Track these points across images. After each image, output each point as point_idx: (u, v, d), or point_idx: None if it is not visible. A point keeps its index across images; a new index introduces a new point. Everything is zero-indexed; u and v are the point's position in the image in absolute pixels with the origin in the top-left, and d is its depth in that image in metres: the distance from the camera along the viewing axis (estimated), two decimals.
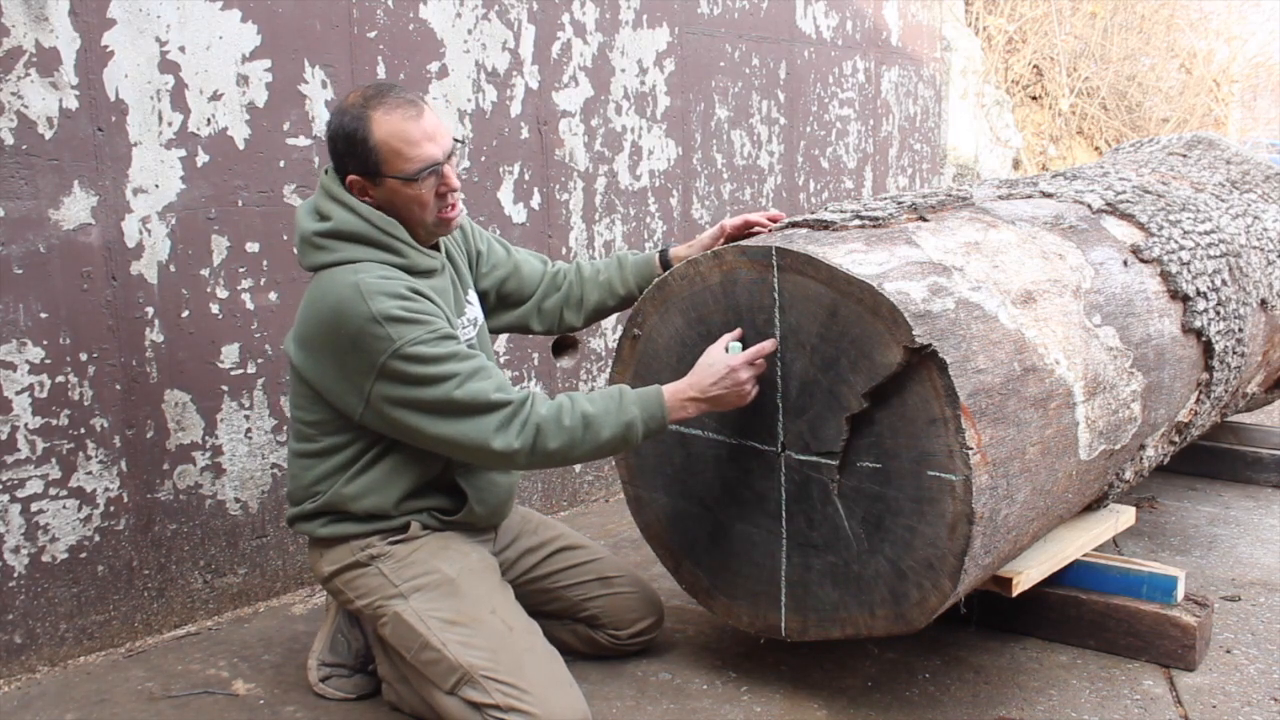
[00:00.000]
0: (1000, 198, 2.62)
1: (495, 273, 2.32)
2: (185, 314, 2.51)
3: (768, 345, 1.98)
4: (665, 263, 2.31)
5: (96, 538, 2.41)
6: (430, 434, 1.88)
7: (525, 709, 1.86)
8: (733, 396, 1.96)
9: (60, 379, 2.33)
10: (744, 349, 1.98)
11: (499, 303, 2.34)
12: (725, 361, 1.96)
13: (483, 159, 3.10)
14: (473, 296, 2.21)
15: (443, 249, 2.12)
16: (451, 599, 1.97)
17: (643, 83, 3.54)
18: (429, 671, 1.94)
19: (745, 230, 2.27)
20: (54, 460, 2.33)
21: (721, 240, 2.25)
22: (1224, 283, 2.67)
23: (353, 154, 1.92)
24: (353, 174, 1.94)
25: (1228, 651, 2.36)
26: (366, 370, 1.87)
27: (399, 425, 1.91)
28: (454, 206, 2.00)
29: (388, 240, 1.95)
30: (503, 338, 3.20)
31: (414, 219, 1.98)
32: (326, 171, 2.00)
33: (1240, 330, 2.71)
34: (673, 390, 1.96)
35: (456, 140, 2.01)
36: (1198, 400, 2.65)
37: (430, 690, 1.95)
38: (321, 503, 2.03)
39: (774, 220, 2.27)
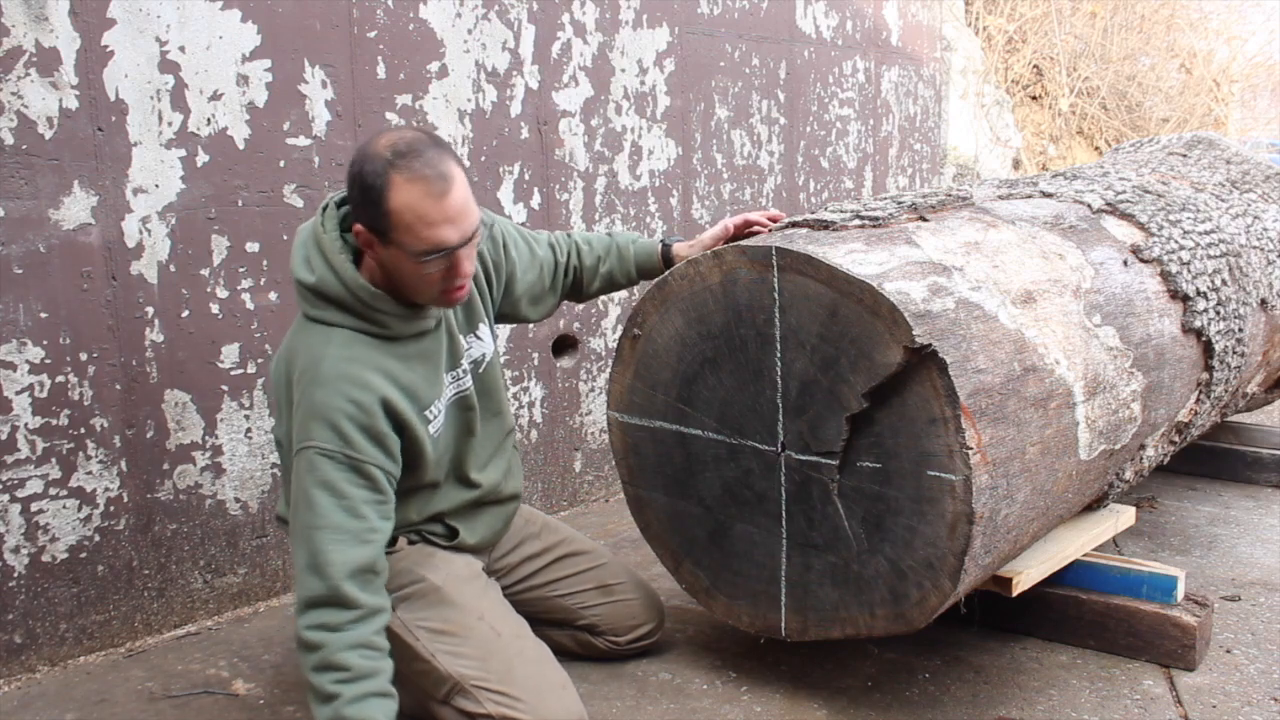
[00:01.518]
0: (1000, 198, 2.62)
1: (528, 276, 2.21)
2: (185, 314, 2.51)
3: None
4: (667, 257, 2.29)
5: (96, 538, 2.41)
6: (292, 535, 1.79)
7: (517, 716, 1.86)
8: None
9: (60, 379, 2.33)
10: None
11: (530, 302, 2.25)
12: None
13: (483, 159, 3.10)
14: (483, 331, 2.09)
15: None
16: (438, 607, 1.95)
17: (643, 83, 3.54)
18: (420, 682, 1.93)
19: (745, 229, 2.27)
20: (54, 460, 2.33)
21: (723, 240, 2.24)
22: (1224, 283, 2.67)
23: (365, 209, 1.76)
24: (362, 225, 1.78)
25: (1228, 651, 2.36)
26: (297, 437, 1.80)
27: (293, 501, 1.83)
28: (461, 288, 1.85)
29: (369, 312, 1.83)
30: (503, 336, 3.20)
31: (416, 291, 1.83)
32: (325, 209, 1.87)
33: (1240, 330, 2.71)
34: None
35: (482, 225, 1.87)
36: (1198, 400, 2.65)
37: (424, 699, 1.95)
38: None
39: (774, 220, 2.27)
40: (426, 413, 1.91)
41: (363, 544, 1.75)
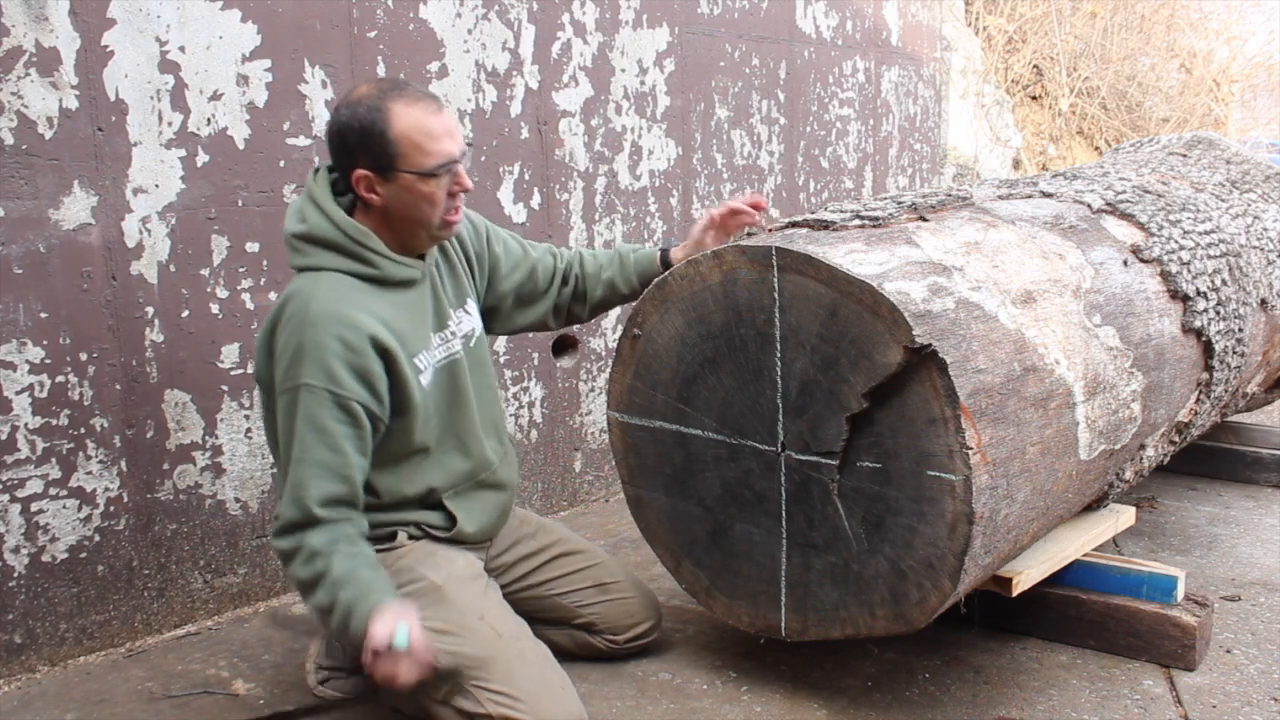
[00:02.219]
0: (1000, 198, 2.62)
1: (515, 274, 2.25)
2: (185, 314, 2.51)
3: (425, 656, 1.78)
4: (666, 262, 2.30)
5: (96, 538, 2.41)
6: (280, 468, 1.89)
7: (517, 716, 1.86)
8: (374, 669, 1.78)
9: (60, 379, 2.33)
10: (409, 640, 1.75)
11: (517, 303, 2.28)
12: (374, 642, 1.73)
13: (483, 159, 3.10)
14: (471, 307, 2.14)
15: (431, 259, 2.04)
16: (438, 607, 1.95)
17: (643, 83, 3.54)
18: (420, 681, 1.93)
19: (731, 216, 2.26)
20: (54, 460, 2.33)
21: (710, 228, 2.26)
22: (1224, 283, 2.67)
23: (366, 147, 1.84)
24: (362, 169, 1.86)
25: (1228, 651, 2.36)
26: (281, 379, 1.86)
27: (279, 441, 1.91)
28: (458, 209, 1.95)
29: (358, 250, 1.89)
30: (501, 338, 3.20)
31: (421, 219, 1.91)
32: (315, 172, 1.95)
33: (1240, 330, 2.71)
34: (384, 606, 1.78)
35: (469, 144, 1.99)
36: (1198, 400, 2.65)
37: (424, 698, 1.95)
38: None
39: (756, 206, 2.26)
40: (415, 360, 1.95)
41: (340, 480, 1.84)
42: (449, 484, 2.06)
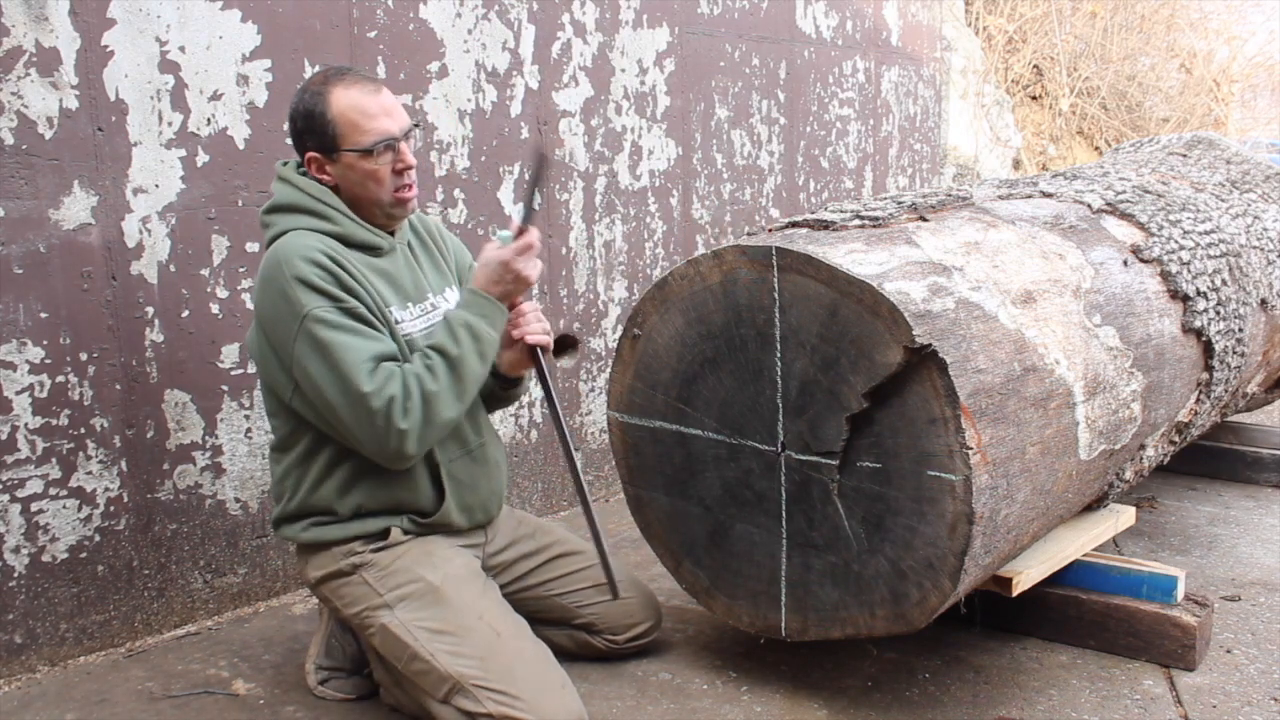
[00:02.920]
0: (1000, 198, 2.62)
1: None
2: (185, 314, 2.51)
3: (527, 240, 2.01)
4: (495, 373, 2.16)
5: (96, 538, 2.41)
6: (334, 417, 1.87)
7: (518, 715, 1.86)
8: (518, 288, 1.99)
9: (60, 379, 2.33)
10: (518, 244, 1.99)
11: None
12: (498, 258, 1.98)
13: (483, 159, 3.10)
14: (450, 295, 2.13)
15: (402, 237, 2.09)
16: (437, 607, 1.95)
17: (643, 83, 3.54)
18: (420, 681, 1.93)
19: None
20: (54, 460, 2.33)
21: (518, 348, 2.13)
22: (1224, 283, 2.67)
23: (311, 130, 1.95)
24: (311, 151, 1.96)
25: (1228, 651, 2.36)
26: (286, 340, 1.88)
27: (315, 405, 1.90)
28: (410, 187, 2.01)
29: (319, 208, 1.96)
30: None
31: (370, 196, 1.98)
32: (283, 164, 2.04)
33: (1240, 330, 2.71)
34: (475, 288, 1.97)
35: (414, 124, 2.04)
36: (1198, 400, 2.66)
37: (424, 698, 1.95)
38: (296, 503, 2.02)
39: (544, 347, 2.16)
40: (388, 310, 1.96)
41: (384, 356, 1.87)
42: (442, 449, 2.04)
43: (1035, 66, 8.11)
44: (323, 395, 1.86)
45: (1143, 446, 2.46)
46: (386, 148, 1.95)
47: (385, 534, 2.02)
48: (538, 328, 2.11)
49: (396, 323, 1.98)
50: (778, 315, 1.98)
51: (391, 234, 2.06)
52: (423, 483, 2.03)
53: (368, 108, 1.93)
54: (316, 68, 2.68)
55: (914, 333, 1.79)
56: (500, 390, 2.20)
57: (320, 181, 1.98)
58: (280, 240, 1.93)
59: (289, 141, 2.06)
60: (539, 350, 2.12)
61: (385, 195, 1.98)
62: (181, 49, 2.45)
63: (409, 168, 1.99)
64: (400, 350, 1.94)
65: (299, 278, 1.85)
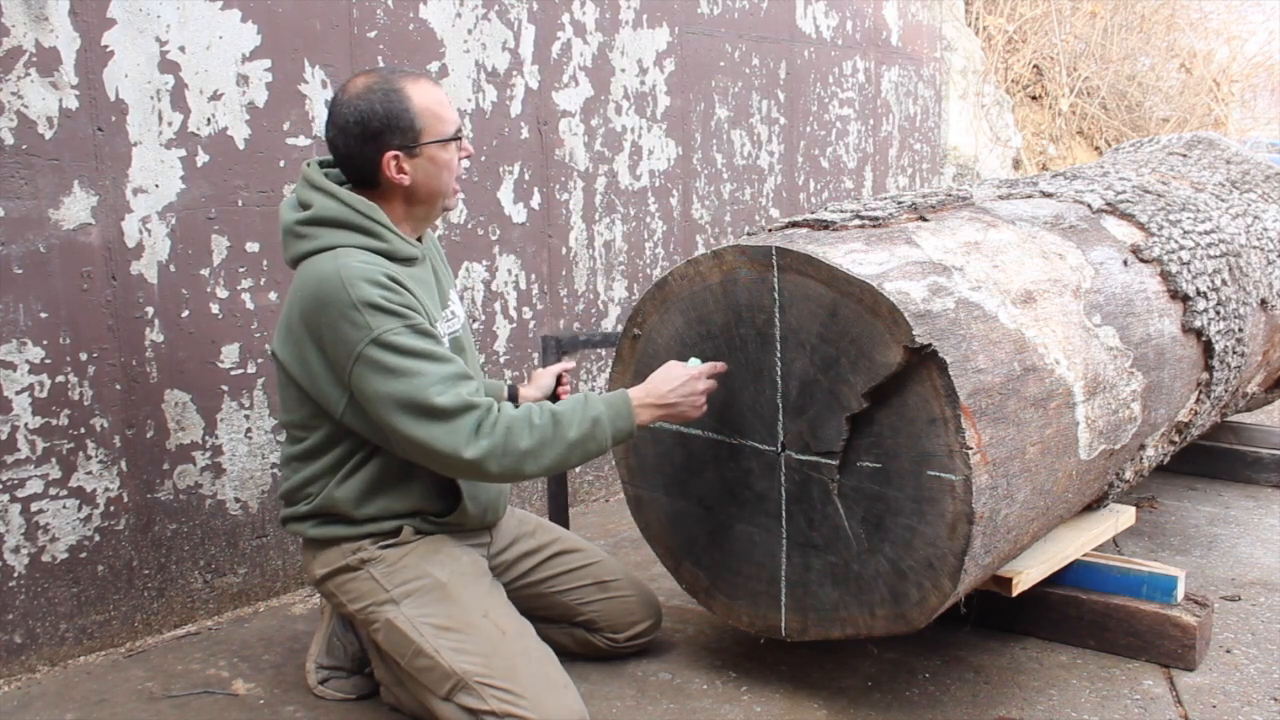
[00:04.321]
0: (1000, 198, 2.62)
1: None
2: (185, 314, 2.51)
3: (720, 366, 2.03)
4: (513, 397, 2.38)
5: (96, 538, 2.41)
6: (403, 434, 1.83)
7: (520, 714, 1.86)
8: (688, 407, 1.98)
9: (60, 379, 2.33)
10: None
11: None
12: (686, 372, 1.99)
13: (483, 159, 3.10)
14: (454, 298, 2.17)
15: (427, 241, 2.12)
16: (443, 604, 1.96)
17: (643, 83, 3.54)
18: (423, 678, 1.93)
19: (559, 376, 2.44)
20: (54, 460, 2.33)
21: (557, 379, 2.42)
22: (1224, 282, 2.67)
23: (393, 128, 1.92)
24: (392, 150, 1.92)
25: (1228, 651, 2.36)
26: (345, 359, 1.84)
27: (376, 422, 1.87)
28: (460, 179, 2.06)
29: (368, 224, 1.93)
30: (502, 336, 3.20)
31: (442, 189, 2.00)
32: (309, 164, 1.99)
33: (1240, 330, 2.71)
34: (633, 393, 1.96)
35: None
36: (1198, 400, 2.66)
37: (426, 695, 1.95)
38: (315, 505, 2.02)
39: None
40: (434, 324, 1.97)
41: (467, 379, 1.86)
42: None
43: (1035, 66, 8.11)
44: (394, 405, 1.82)
45: (1143, 446, 2.46)
46: (458, 135, 1.99)
47: (396, 532, 2.02)
48: None
49: (439, 337, 1.98)
50: (778, 315, 1.98)
51: (420, 240, 2.07)
52: (441, 487, 2.05)
53: (441, 98, 1.97)
54: (317, 68, 2.68)
55: (914, 333, 1.79)
56: None
57: (395, 182, 1.95)
58: (333, 258, 1.88)
59: (352, 149, 1.97)
60: None
61: (450, 186, 2.01)
62: (181, 49, 2.45)
63: (469, 155, 2.05)
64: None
65: (366, 300, 1.81)
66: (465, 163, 2.05)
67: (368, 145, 1.93)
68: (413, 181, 1.96)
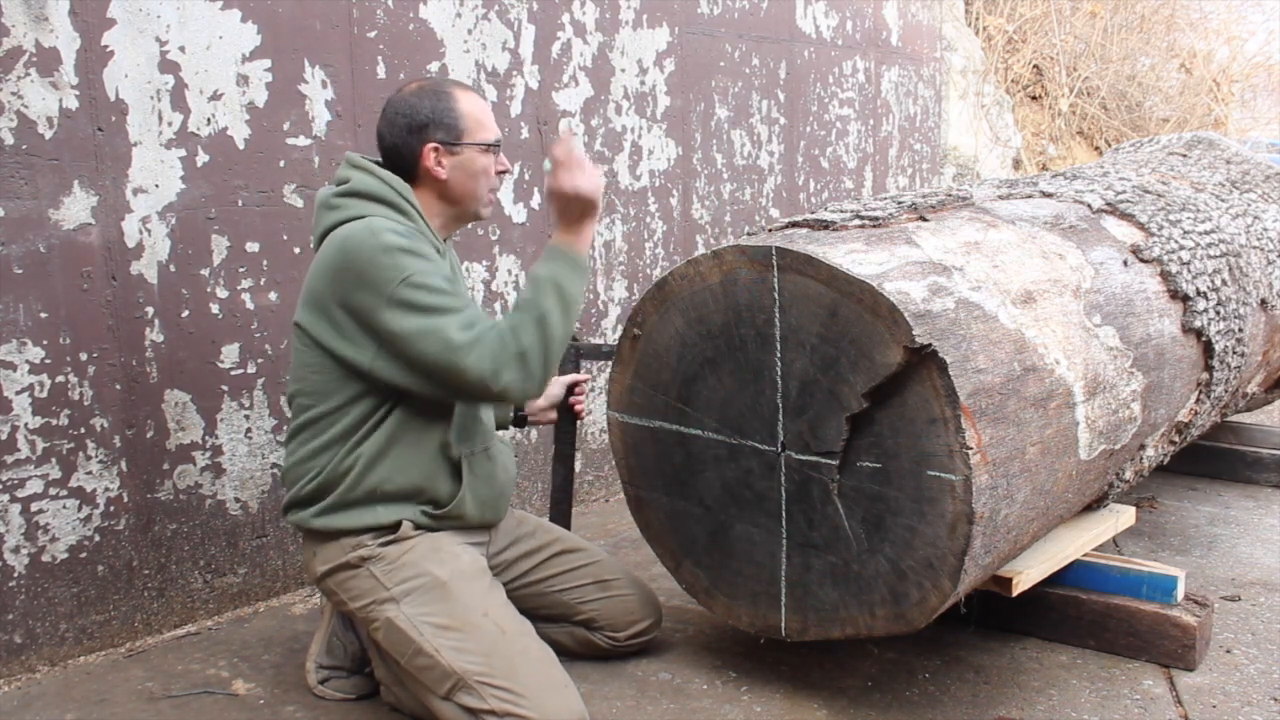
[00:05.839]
0: (1000, 198, 2.62)
1: None
2: (185, 314, 2.51)
3: (565, 147, 1.99)
4: (519, 415, 2.45)
5: (96, 538, 2.41)
6: (435, 364, 1.89)
7: (520, 713, 1.86)
8: (582, 206, 1.98)
9: (60, 379, 2.33)
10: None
11: None
12: (548, 190, 1.99)
13: None
14: None
15: (449, 243, 2.18)
16: (443, 603, 1.96)
17: (643, 83, 3.54)
18: (423, 677, 1.93)
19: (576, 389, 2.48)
20: (54, 460, 2.33)
21: (571, 389, 2.46)
22: (1224, 283, 2.67)
23: (439, 122, 2.03)
24: (434, 141, 2.03)
25: (1228, 651, 2.36)
26: (375, 304, 1.89)
27: (412, 360, 1.91)
28: (495, 192, 2.13)
29: (401, 203, 2.01)
30: None
31: (474, 192, 2.08)
32: (351, 152, 2.09)
33: (1240, 330, 2.71)
34: (555, 236, 2.00)
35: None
36: (1198, 400, 2.66)
37: (426, 694, 1.95)
38: (319, 481, 2.00)
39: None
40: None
41: (482, 318, 1.93)
42: (465, 441, 2.06)
43: (1035, 66, 8.11)
44: (434, 341, 1.88)
45: (1143, 446, 2.46)
46: (497, 149, 2.09)
47: (396, 527, 2.02)
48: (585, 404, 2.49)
49: None
50: (778, 315, 1.98)
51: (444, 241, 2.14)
52: (445, 471, 2.05)
53: (487, 110, 2.10)
54: (316, 68, 2.68)
55: (914, 333, 1.79)
56: (509, 424, 2.42)
57: (433, 174, 2.04)
58: (360, 222, 1.95)
59: (394, 142, 2.06)
60: (578, 420, 2.50)
61: (485, 193, 2.10)
62: (181, 49, 2.45)
63: (506, 171, 2.13)
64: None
65: (395, 245, 1.89)
66: (501, 178, 2.12)
67: (412, 136, 2.04)
68: (449, 177, 2.05)
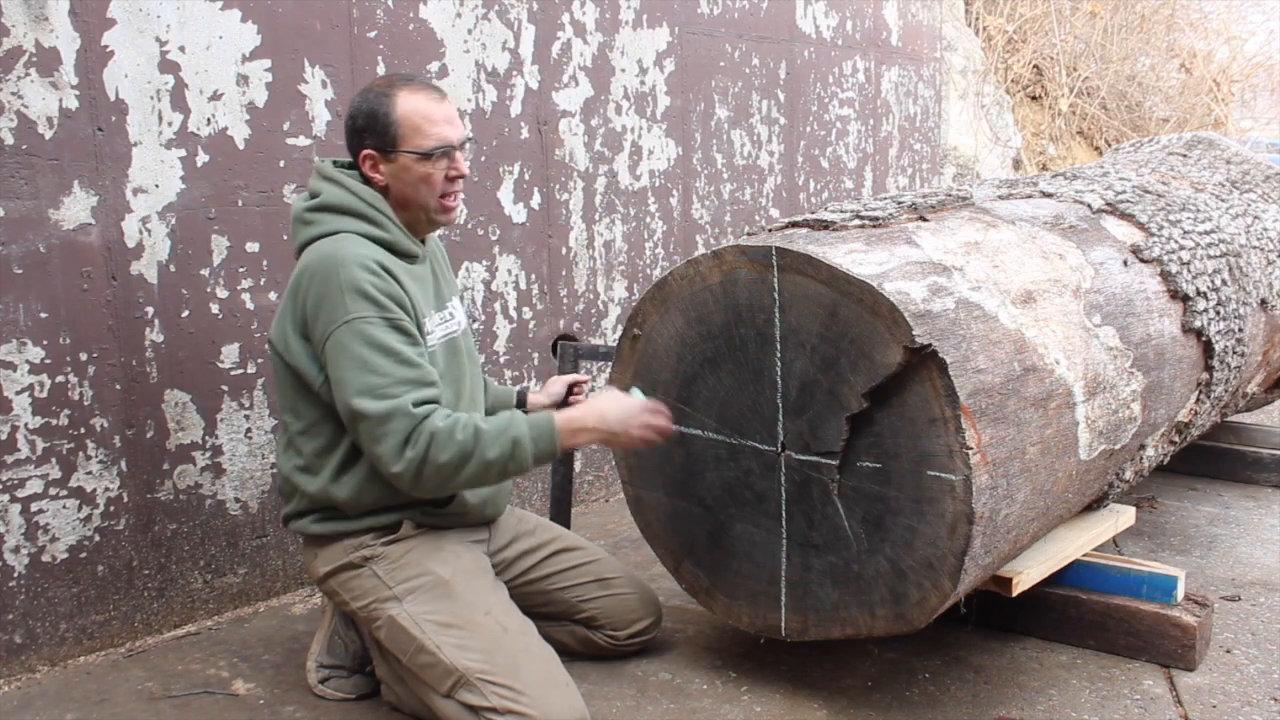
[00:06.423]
0: (1000, 198, 2.62)
1: None
2: (185, 314, 2.51)
3: (668, 428, 2.03)
4: (521, 402, 2.43)
5: (96, 538, 2.41)
6: (350, 422, 1.88)
7: (522, 711, 1.86)
8: (628, 436, 1.99)
9: (60, 379, 2.33)
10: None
11: None
12: (632, 402, 2.01)
13: (483, 159, 3.10)
14: (456, 304, 2.20)
15: (431, 244, 2.17)
16: (445, 601, 1.97)
17: (643, 83, 3.54)
18: (425, 675, 1.94)
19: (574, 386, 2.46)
20: (54, 460, 2.33)
21: (571, 388, 2.44)
22: (1224, 283, 2.67)
23: (372, 129, 1.98)
24: (368, 149, 2.00)
25: (1228, 651, 2.36)
26: (321, 335, 1.90)
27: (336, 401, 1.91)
28: (456, 195, 2.06)
29: (372, 213, 1.99)
30: (502, 337, 3.20)
31: (420, 200, 2.02)
32: (321, 160, 2.07)
33: (1240, 330, 2.71)
34: (566, 417, 1.96)
35: (468, 137, 2.08)
36: (1198, 400, 2.65)
37: (427, 693, 1.95)
38: (311, 495, 2.02)
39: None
40: (423, 320, 2.01)
41: (427, 386, 1.89)
42: None
43: (1035, 66, 8.11)
44: (349, 388, 1.87)
45: (1143, 446, 2.46)
46: (443, 154, 2.00)
47: (396, 527, 2.03)
48: None
49: (428, 333, 2.02)
50: (778, 315, 1.98)
51: (423, 241, 2.12)
52: None
53: (431, 113, 1.99)
54: (316, 68, 2.68)
55: (914, 333, 1.79)
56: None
57: (372, 180, 2.02)
58: (333, 241, 1.95)
59: (341, 142, 2.11)
60: None
61: (433, 201, 2.03)
62: (181, 49, 2.45)
63: (461, 175, 2.05)
64: (430, 366, 1.95)
65: (353, 284, 1.88)
66: (460, 183, 2.06)
67: (352, 139, 2.03)
68: (388, 184, 2.02)
